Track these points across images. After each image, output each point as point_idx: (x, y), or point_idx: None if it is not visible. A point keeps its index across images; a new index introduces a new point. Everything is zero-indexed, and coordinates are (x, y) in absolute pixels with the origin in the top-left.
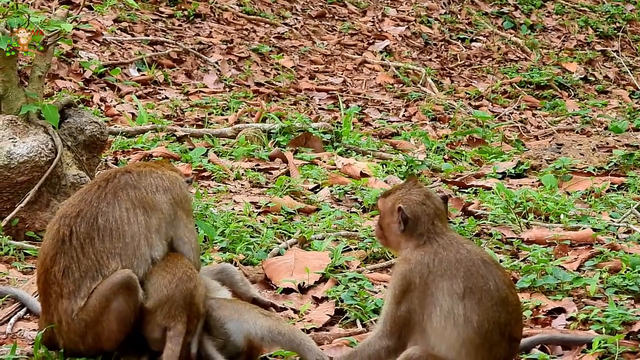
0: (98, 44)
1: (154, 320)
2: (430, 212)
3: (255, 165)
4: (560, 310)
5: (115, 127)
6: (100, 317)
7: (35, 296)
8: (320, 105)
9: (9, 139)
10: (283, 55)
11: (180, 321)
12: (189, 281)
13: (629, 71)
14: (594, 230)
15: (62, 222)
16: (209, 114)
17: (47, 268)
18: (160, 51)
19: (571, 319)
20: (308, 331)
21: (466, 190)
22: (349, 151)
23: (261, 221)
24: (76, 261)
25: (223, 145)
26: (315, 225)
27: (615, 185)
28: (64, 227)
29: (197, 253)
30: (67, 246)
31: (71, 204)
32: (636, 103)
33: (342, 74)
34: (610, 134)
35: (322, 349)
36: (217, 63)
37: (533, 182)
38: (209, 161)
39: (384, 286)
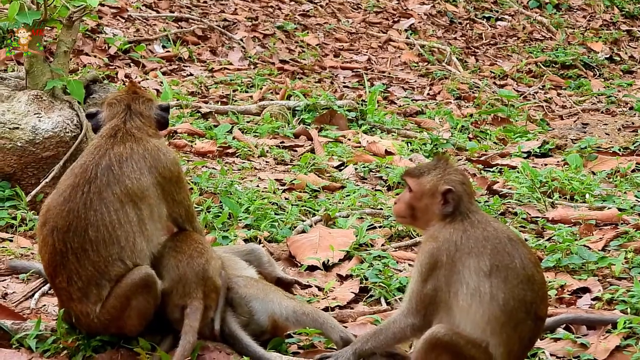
0: (123, 20)
1: (171, 301)
2: (469, 191)
3: (280, 143)
4: (585, 290)
5: None
6: (121, 315)
7: None
8: (344, 83)
9: (34, 114)
10: (308, 32)
11: (196, 298)
12: (199, 257)
13: None
14: (619, 210)
15: (56, 237)
16: (234, 91)
17: (52, 276)
18: (185, 28)
19: (596, 298)
20: (332, 309)
21: (491, 169)
22: (373, 129)
23: (286, 198)
24: (76, 273)
25: (248, 122)
26: (340, 202)
27: None
28: (59, 243)
29: (191, 221)
30: (65, 260)
31: (60, 215)
32: None
33: (366, 52)
34: (635, 114)
35: (347, 327)
36: (242, 40)
37: (558, 162)
38: (233, 138)
39: (409, 264)
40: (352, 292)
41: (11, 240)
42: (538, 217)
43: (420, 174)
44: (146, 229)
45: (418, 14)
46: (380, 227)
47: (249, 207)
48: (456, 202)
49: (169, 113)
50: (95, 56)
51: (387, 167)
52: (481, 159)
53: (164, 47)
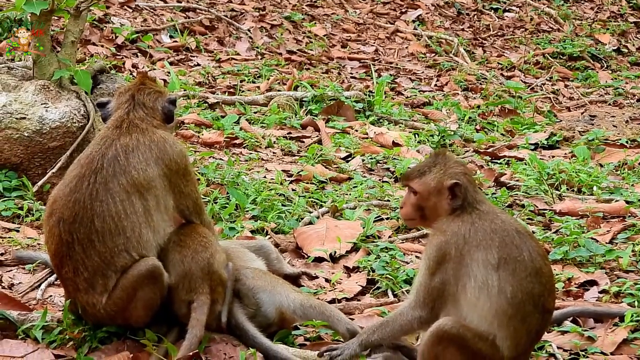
0: (130, 10)
1: (178, 296)
2: (472, 180)
3: (287, 134)
4: (593, 283)
5: None
6: (128, 306)
7: None
8: (352, 73)
9: (42, 104)
10: (315, 23)
11: (202, 293)
12: (204, 251)
13: None
14: (627, 202)
15: (62, 227)
16: (241, 81)
17: (58, 267)
18: (193, 18)
19: (603, 291)
20: (339, 301)
21: (499, 161)
22: (381, 120)
23: (293, 189)
24: (82, 263)
25: (255, 112)
26: (347, 194)
27: None
28: (65, 234)
29: (199, 213)
30: (71, 251)
31: (66, 206)
32: None
33: (374, 43)
34: None
35: (353, 319)
36: (249, 30)
37: (566, 154)
38: (240, 129)
39: (416, 256)
40: (359, 285)
41: (18, 231)
42: (545, 210)
43: (421, 174)
44: (152, 220)
45: (425, 5)
46: (387, 218)
47: (256, 198)
48: (464, 195)
49: (175, 106)
50: (102, 46)
51: (395, 159)
52: (488, 150)
53: (171, 37)
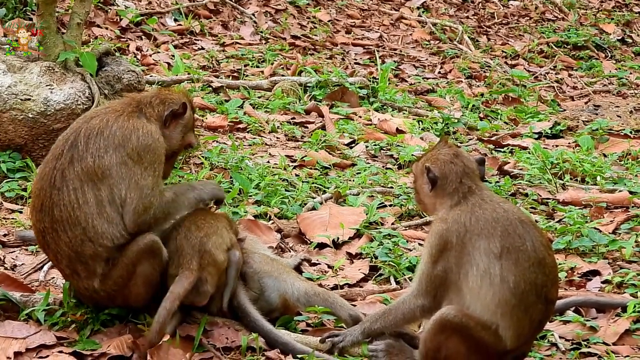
0: None
1: (168, 272)
2: (458, 170)
3: (291, 119)
4: (595, 273)
5: (151, 76)
6: (128, 283)
7: None
8: (356, 60)
9: (46, 85)
10: (320, 8)
11: (188, 268)
12: (198, 230)
13: None
14: (631, 193)
15: (35, 217)
16: (245, 65)
17: (45, 253)
18: (197, 1)
19: (606, 281)
20: (342, 287)
21: (502, 150)
22: (384, 107)
23: (296, 175)
24: (57, 252)
25: (259, 97)
26: (350, 180)
27: None
28: (38, 223)
29: (139, 213)
30: (46, 240)
31: (35, 194)
32: None
33: (378, 29)
34: None
35: (356, 305)
36: (253, 15)
37: (569, 143)
38: (244, 113)
39: (419, 243)
40: (362, 272)
41: (21, 212)
42: (549, 199)
43: (420, 157)
44: (105, 211)
45: None
46: (390, 205)
47: (260, 183)
48: (440, 181)
49: (174, 114)
50: (107, 28)
51: (398, 146)
52: (492, 139)
53: (175, 20)
